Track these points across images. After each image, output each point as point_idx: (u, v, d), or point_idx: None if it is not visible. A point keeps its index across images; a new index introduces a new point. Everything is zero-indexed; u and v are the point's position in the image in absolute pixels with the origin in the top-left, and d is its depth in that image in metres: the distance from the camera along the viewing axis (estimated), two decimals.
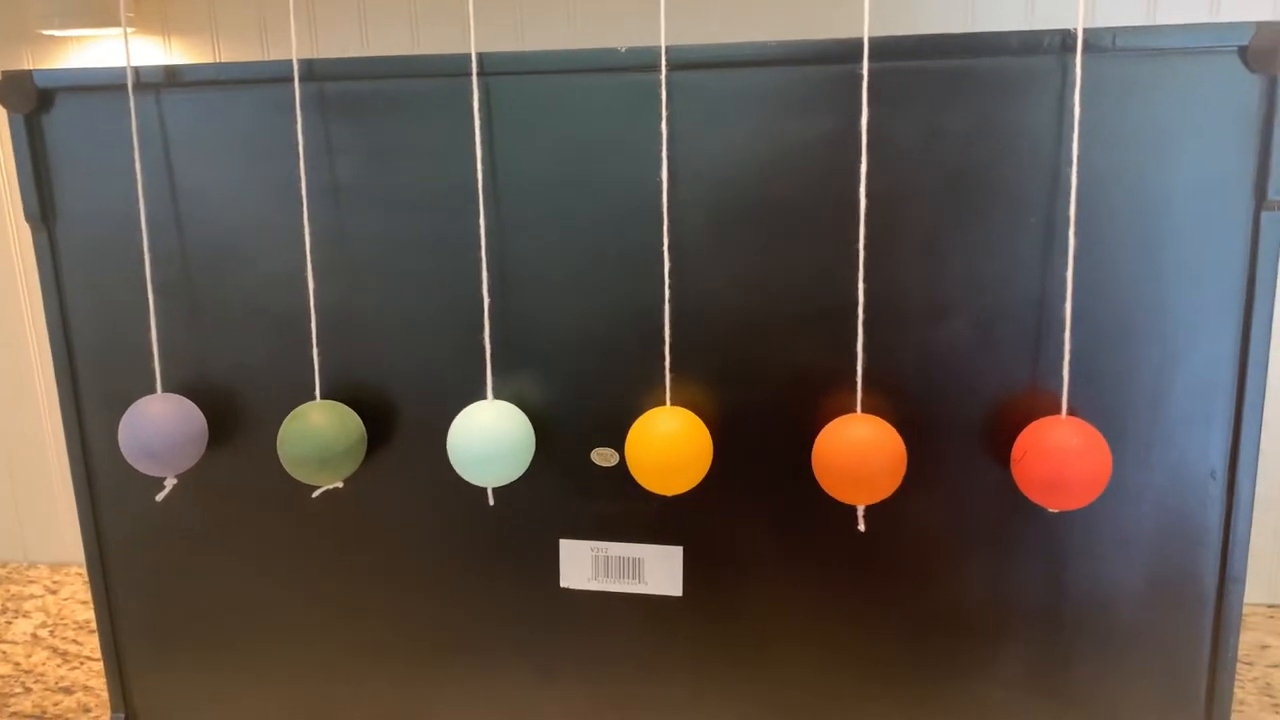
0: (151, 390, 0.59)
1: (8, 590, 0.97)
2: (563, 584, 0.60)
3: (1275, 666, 0.80)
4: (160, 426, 0.57)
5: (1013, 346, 0.53)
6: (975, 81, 0.51)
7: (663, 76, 0.52)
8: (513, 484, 0.57)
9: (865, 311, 0.52)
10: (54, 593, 0.96)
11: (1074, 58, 0.49)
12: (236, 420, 0.60)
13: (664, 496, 0.56)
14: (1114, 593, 0.55)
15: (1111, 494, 0.53)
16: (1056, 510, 0.52)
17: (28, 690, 0.81)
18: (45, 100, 0.58)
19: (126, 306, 0.59)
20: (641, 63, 0.52)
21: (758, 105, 0.52)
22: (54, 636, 0.89)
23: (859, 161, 0.51)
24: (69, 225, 0.59)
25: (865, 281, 0.52)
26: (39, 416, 0.98)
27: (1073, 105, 0.49)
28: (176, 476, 0.60)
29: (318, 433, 0.56)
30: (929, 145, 0.51)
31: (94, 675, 0.84)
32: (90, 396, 0.62)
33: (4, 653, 0.87)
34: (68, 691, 0.81)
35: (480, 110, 0.54)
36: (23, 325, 0.96)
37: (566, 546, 0.59)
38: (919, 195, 0.52)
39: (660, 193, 0.53)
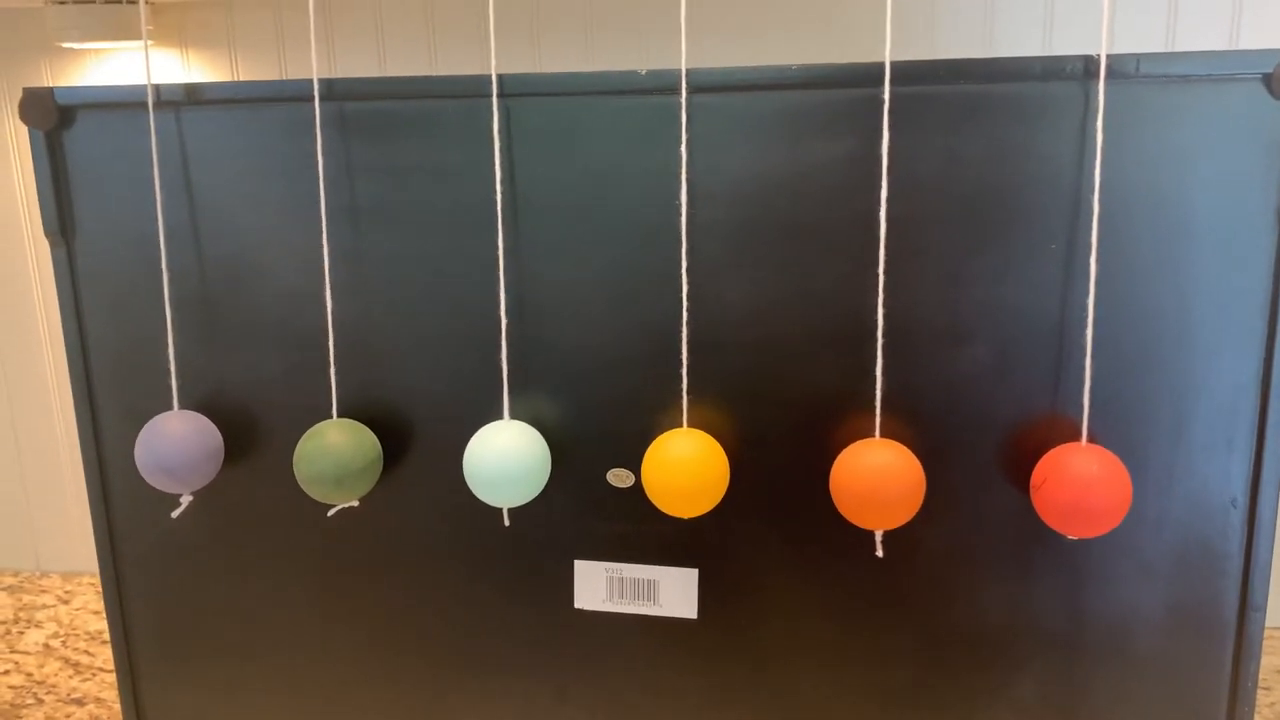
0: (168, 407, 0.59)
1: (20, 600, 0.97)
2: (577, 605, 0.60)
3: None
4: (177, 444, 0.57)
5: (1032, 372, 0.52)
6: (996, 106, 0.50)
7: (683, 99, 0.52)
8: (528, 504, 0.57)
9: (885, 335, 0.52)
10: (66, 603, 0.96)
11: (1096, 83, 0.49)
12: (253, 438, 0.60)
13: (680, 519, 0.56)
14: (1132, 620, 0.55)
15: (1131, 521, 0.53)
16: (1076, 538, 0.52)
17: (40, 701, 0.82)
18: (66, 117, 0.58)
19: (144, 323, 0.60)
20: (662, 85, 0.52)
21: (778, 128, 0.52)
22: (66, 647, 0.89)
23: (879, 185, 0.51)
24: (88, 241, 0.60)
25: (885, 305, 0.52)
26: (52, 425, 0.98)
27: (1094, 131, 0.49)
28: (192, 493, 0.60)
29: (334, 451, 0.56)
30: (949, 169, 0.51)
31: (106, 687, 0.84)
32: (107, 412, 0.62)
33: (16, 663, 0.87)
34: (79, 704, 0.81)
35: (500, 131, 0.54)
36: (39, 337, 0.96)
37: (581, 567, 0.59)
38: (939, 219, 0.52)
39: (679, 214, 0.53)
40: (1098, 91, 0.49)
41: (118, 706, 0.69)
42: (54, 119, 0.58)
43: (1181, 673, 0.55)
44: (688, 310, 0.54)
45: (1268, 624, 0.80)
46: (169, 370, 0.59)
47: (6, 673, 0.86)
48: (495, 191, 0.54)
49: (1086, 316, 0.51)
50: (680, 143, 0.52)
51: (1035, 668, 0.56)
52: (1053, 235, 0.51)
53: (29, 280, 0.95)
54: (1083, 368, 0.51)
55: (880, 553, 0.54)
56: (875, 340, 0.52)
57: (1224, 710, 0.55)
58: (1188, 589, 0.54)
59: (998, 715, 0.57)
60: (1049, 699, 0.56)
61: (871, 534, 0.54)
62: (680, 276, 0.53)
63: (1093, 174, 0.50)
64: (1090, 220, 0.50)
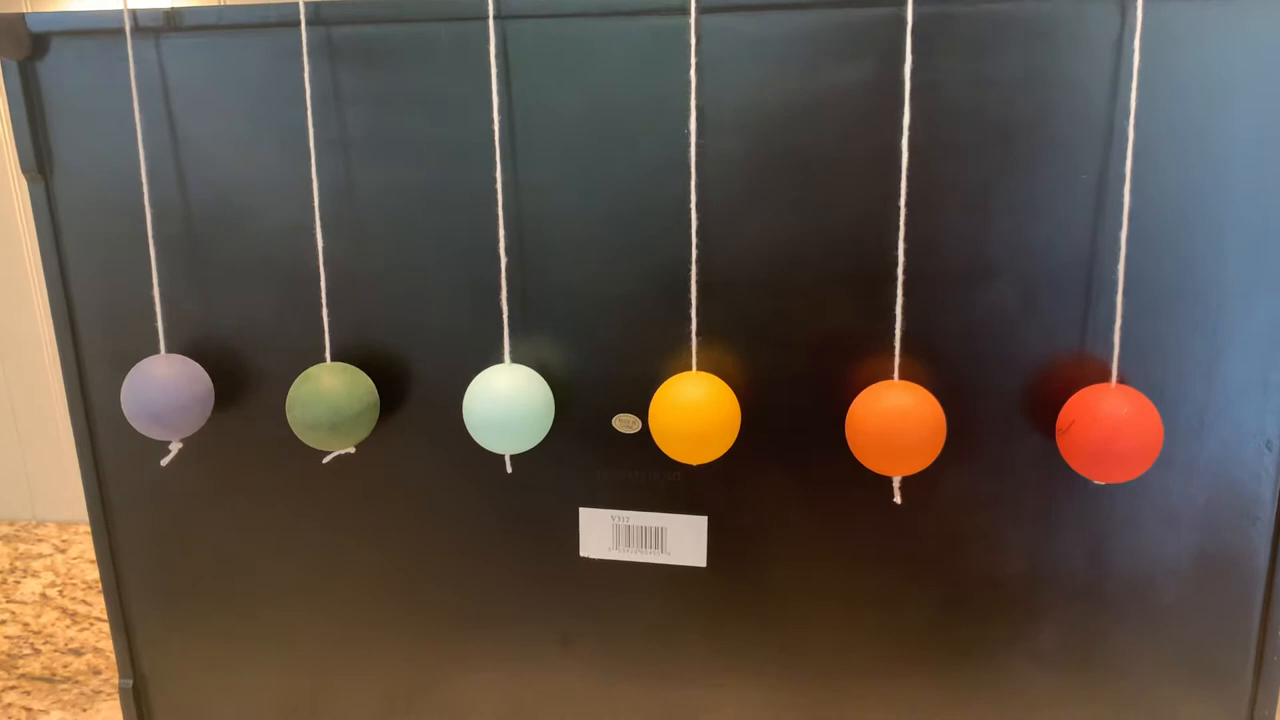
0: (155, 350, 0.57)
1: (16, 549, 0.96)
2: (582, 553, 0.58)
3: None
4: (164, 389, 0.55)
5: (1060, 310, 0.50)
6: (1026, 26, 0.47)
7: (692, 20, 0.49)
8: (531, 451, 0.54)
9: (905, 272, 0.50)
10: (62, 551, 0.95)
11: (1135, 2, 0.46)
12: (243, 382, 0.58)
13: (689, 465, 0.54)
14: (1157, 568, 0.53)
15: (1160, 465, 0.51)
16: (1103, 483, 0.50)
17: (37, 652, 0.80)
18: (39, 45, 0.55)
19: (128, 262, 0.57)
20: (669, 5, 0.49)
21: (793, 51, 0.49)
22: (63, 596, 0.88)
23: (900, 112, 0.48)
24: (67, 178, 0.57)
25: (906, 240, 0.49)
26: (45, 373, 0.96)
27: (1131, 53, 0.46)
28: (182, 440, 0.58)
29: (329, 396, 0.53)
30: (975, 96, 0.48)
31: (103, 637, 0.82)
32: (92, 356, 0.59)
33: (13, 613, 0.86)
34: (77, 653, 0.80)
35: (497, 56, 0.51)
36: (27, 281, 0.93)
37: (587, 515, 0.57)
38: (963, 149, 0.49)
39: (688, 146, 0.50)
40: (1135, 10, 0.46)
41: (114, 657, 0.68)
42: (27, 47, 0.55)
43: (1208, 622, 0.53)
44: (697, 248, 0.51)
45: None
46: (155, 312, 0.57)
47: (3, 622, 0.84)
48: (493, 121, 0.51)
49: (1118, 251, 0.48)
50: (689, 68, 0.49)
51: (1056, 617, 0.54)
52: (1083, 165, 0.48)
53: (15, 223, 0.92)
54: (1113, 305, 0.49)
55: (898, 499, 0.52)
56: (895, 278, 0.50)
57: (1252, 661, 0.53)
58: (1216, 536, 0.52)
59: (1015, 665, 0.55)
60: (1069, 649, 0.54)
61: (889, 480, 0.52)
62: (689, 212, 0.51)
63: (1128, 101, 0.47)
64: (1124, 150, 0.47)
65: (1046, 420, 0.51)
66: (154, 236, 0.56)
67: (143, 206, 0.56)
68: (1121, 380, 0.49)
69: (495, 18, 0.50)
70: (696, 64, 0.49)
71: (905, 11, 0.47)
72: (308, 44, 0.52)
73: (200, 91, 0.54)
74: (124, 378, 0.56)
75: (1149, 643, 0.54)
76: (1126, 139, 0.47)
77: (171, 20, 0.54)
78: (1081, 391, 0.49)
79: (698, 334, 0.52)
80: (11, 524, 1.01)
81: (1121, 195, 0.48)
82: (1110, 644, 0.54)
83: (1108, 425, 0.47)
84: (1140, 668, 0.54)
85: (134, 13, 0.53)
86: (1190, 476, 0.51)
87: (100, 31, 0.54)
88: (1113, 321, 0.49)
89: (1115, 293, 0.49)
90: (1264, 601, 0.53)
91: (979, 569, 0.54)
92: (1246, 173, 0.48)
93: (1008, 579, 0.54)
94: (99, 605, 0.86)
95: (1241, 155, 0.47)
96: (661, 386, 0.52)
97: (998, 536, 0.53)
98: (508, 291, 0.53)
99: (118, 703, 0.72)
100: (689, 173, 0.50)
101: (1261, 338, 0.49)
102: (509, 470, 0.56)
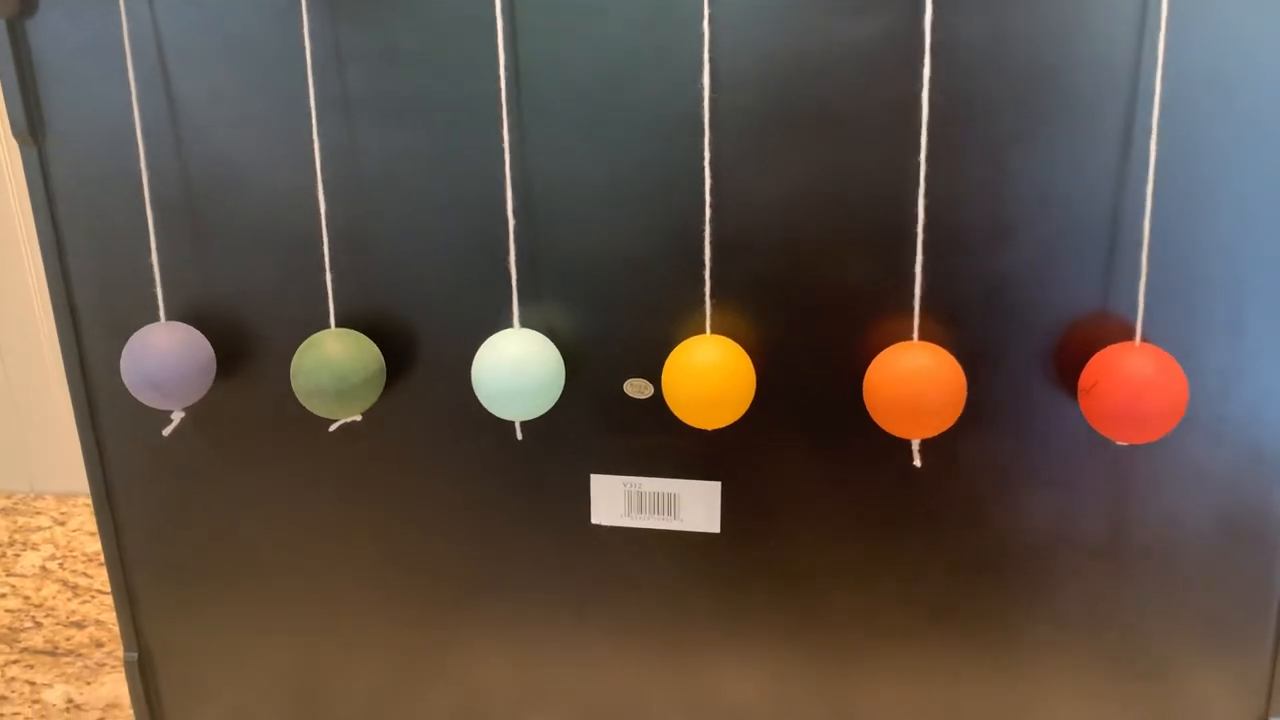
0: (154, 318, 0.56)
1: (15, 522, 0.95)
2: (594, 520, 0.57)
3: None
4: (165, 357, 0.53)
5: (1082, 268, 0.49)
6: None
7: None
8: (541, 417, 0.53)
9: (924, 231, 0.48)
10: (62, 524, 0.94)
11: None
12: (246, 349, 0.57)
13: (702, 430, 0.53)
14: (1180, 531, 0.52)
15: (1184, 426, 0.50)
16: (1126, 444, 0.49)
17: (38, 625, 0.80)
18: (29, 3, 0.53)
19: (125, 228, 0.56)
20: None
21: (810, 1, 0.47)
22: (64, 569, 0.87)
23: (920, 65, 0.47)
24: (60, 141, 0.55)
25: (926, 197, 0.48)
26: (39, 343, 0.94)
27: (1159, 3, 0.45)
28: (184, 410, 0.56)
29: (334, 363, 0.52)
30: (997, 49, 0.47)
31: (105, 609, 0.82)
32: (90, 324, 0.58)
33: (13, 586, 0.85)
34: (79, 626, 0.79)
35: (503, 9, 0.49)
36: (19, 247, 0.92)
37: (598, 482, 0.56)
38: (984, 105, 0.48)
39: (701, 101, 0.49)
40: None
41: (117, 630, 0.67)
42: (15, 5, 0.53)
43: (1229, 586, 0.53)
44: (711, 207, 0.50)
45: None
46: (154, 279, 0.55)
47: (3, 596, 0.83)
48: (499, 77, 0.50)
49: (1142, 207, 0.47)
50: (702, 19, 0.47)
51: (1077, 581, 0.53)
52: (1107, 119, 0.47)
53: (5, 188, 0.90)
54: (1137, 263, 0.48)
55: (918, 463, 0.51)
56: (914, 236, 0.49)
57: (1273, 624, 0.53)
58: (1239, 498, 0.51)
59: (1036, 630, 0.55)
60: (1089, 613, 0.54)
61: (907, 443, 0.51)
62: (703, 170, 0.49)
63: (1154, 52, 0.45)
64: (1150, 104, 0.46)
65: (1069, 380, 0.50)
66: (151, 201, 0.55)
67: (139, 170, 0.54)
68: (1145, 339, 0.48)
69: None
70: (709, 15, 0.48)
71: None
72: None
73: (196, 51, 0.53)
74: (123, 346, 0.54)
75: (1169, 606, 0.53)
76: (1153, 92, 0.46)
77: None
78: (1105, 350, 0.48)
79: (712, 296, 0.51)
80: (9, 496, 1.00)
81: (1146, 149, 0.46)
82: (1130, 608, 0.54)
83: (1132, 385, 0.46)
84: (1160, 632, 0.54)
85: None
86: (1214, 437, 0.50)
87: None
88: (1136, 279, 0.48)
89: (1139, 250, 0.48)
90: None
91: (998, 532, 0.53)
92: (1274, 126, 0.46)
93: (1027, 542, 0.53)
94: (100, 578, 0.86)
95: (1269, 108, 0.46)
96: (674, 350, 0.51)
97: (1018, 499, 0.53)
98: (516, 254, 0.52)
99: (122, 675, 0.71)
100: (702, 130, 0.49)
101: None
102: (519, 437, 0.55)
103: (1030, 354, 0.50)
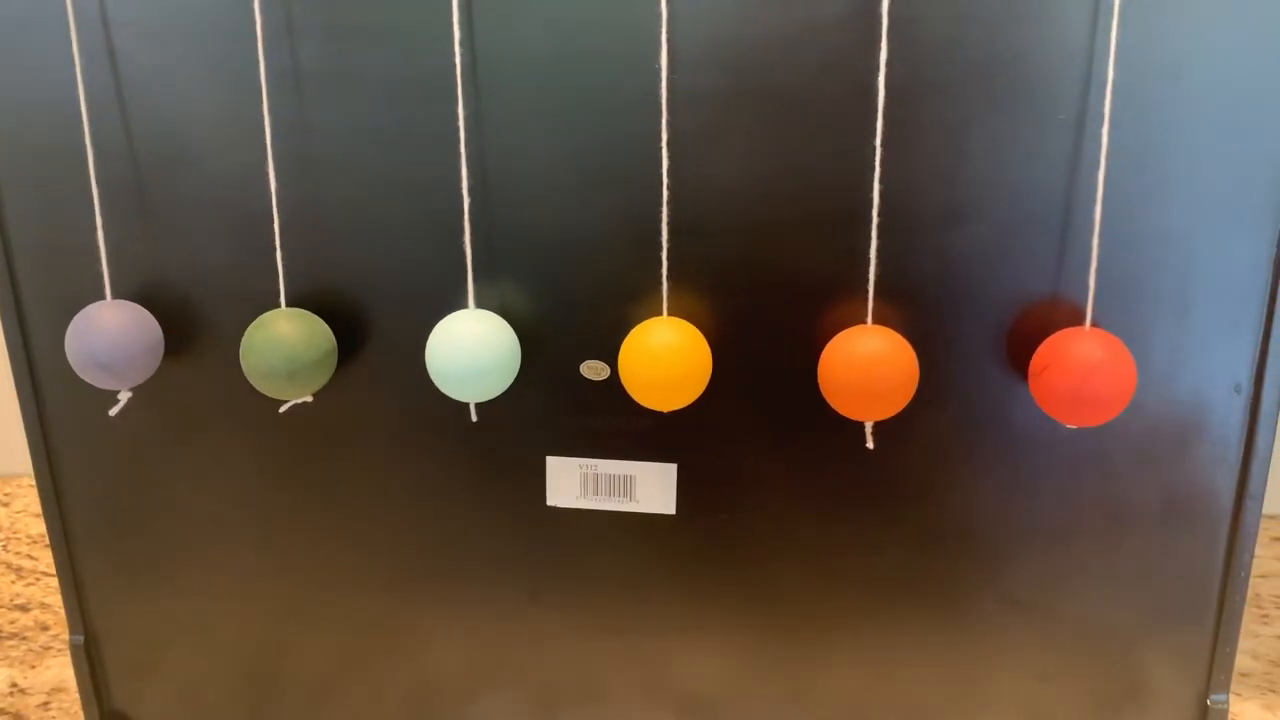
0: (100, 296, 0.54)
1: None
2: (549, 502, 0.57)
3: (1263, 577, 0.80)
4: (111, 336, 0.52)
5: (1035, 253, 0.49)
6: None
7: None
8: (497, 399, 0.53)
9: (879, 214, 0.49)
10: (6, 505, 0.92)
11: None
12: (195, 329, 0.56)
13: (658, 412, 0.53)
14: (1127, 511, 0.53)
15: (1132, 409, 0.51)
16: (1076, 426, 0.50)
17: None
18: None
19: (70, 204, 0.54)
20: None
21: None
22: (7, 551, 0.86)
23: (878, 48, 0.47)
24: (2, 115, 0.54)
25: (881, 181, 0.48)
26: None
27: None
28: (131, 390, 0.55)
29: (284, 343, 0.51)
30: (955, 32, 0.47)
31: (51, 592, 0.80)
32: (33, 301, 0.57)
33: None
34: (24, 609, 0.78)
35: None
36: None
37: (554, 464, 0.56)
38: (941, 87, 0.48)
39: (659, 81, 0.48)
40: None
41: (64, 612, 0.66)
42: None
43: (1175, 564, 0.54)
44: (668, 189, 0.50)
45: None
46: (99, 256, 0.54)
47: None
48: (454, 54, 0.49)
49: (1094, 193, 0.47)
50: None
51: (1026, 561, 0.54)
52: (1062, 105, 0.47)
53: None
54: (1089, 247, 0.48)
55: (870, 444, 0.51)
56: (869, 219, 0.49)
57: (1215, 600, 0.54)
58: (1185, 479, 0.52)
59: (985, 608, 0.55)
60: (1038, 591, 0.55)
61: (860, 425, 0.52)
62: (660, 151, 0.49)
63: (1108, 39, 0.46)
64: (1103, 90, 0.46)
65: (1020, 363, 0.50)
66: (96, 177, 0.53)
67: (83, 145, 0.53)
68: (1095, 323, 0.49)
69: None
70: None
71: None
72: None
73: (142, 22, 0.51)
74: (68, 324, 0.53)
75: (1116, 586, 0.54)
76: (1106, 79, 0.46)
77: None
78: (1055, 335, 0.48)
79: (668, 278, 0.51)
80: None
81: (1099, 135, 0.47)
82: (1078, 586, 0.54)
83: (1081, 369, 0.47)
84: (1107, 609, 0.55)
85: None
86: (1161, 420, 0.51)
87: None
88: (1088, 264, 0.48)
89: (1091, 234, 0.48)
90: (1228, 544, 0.53)
91: (951, 512, 0.54)
92: (1224, 115, 0.47)
93: (979, 522, 0.54)
94: (45, 559, 0.84)
95: (1222, 92, 0.47)
96: (631, 332, 0.50)
97: (970, 479, 0.53)
98: (471, 233, 0.51)
99: (68, 658, 0.70)
100: (660, 110, 0.49)
101: (1234, 280, 0.49)
102: (474, 419, 0.54)
103: (983, 338, 0.51)
